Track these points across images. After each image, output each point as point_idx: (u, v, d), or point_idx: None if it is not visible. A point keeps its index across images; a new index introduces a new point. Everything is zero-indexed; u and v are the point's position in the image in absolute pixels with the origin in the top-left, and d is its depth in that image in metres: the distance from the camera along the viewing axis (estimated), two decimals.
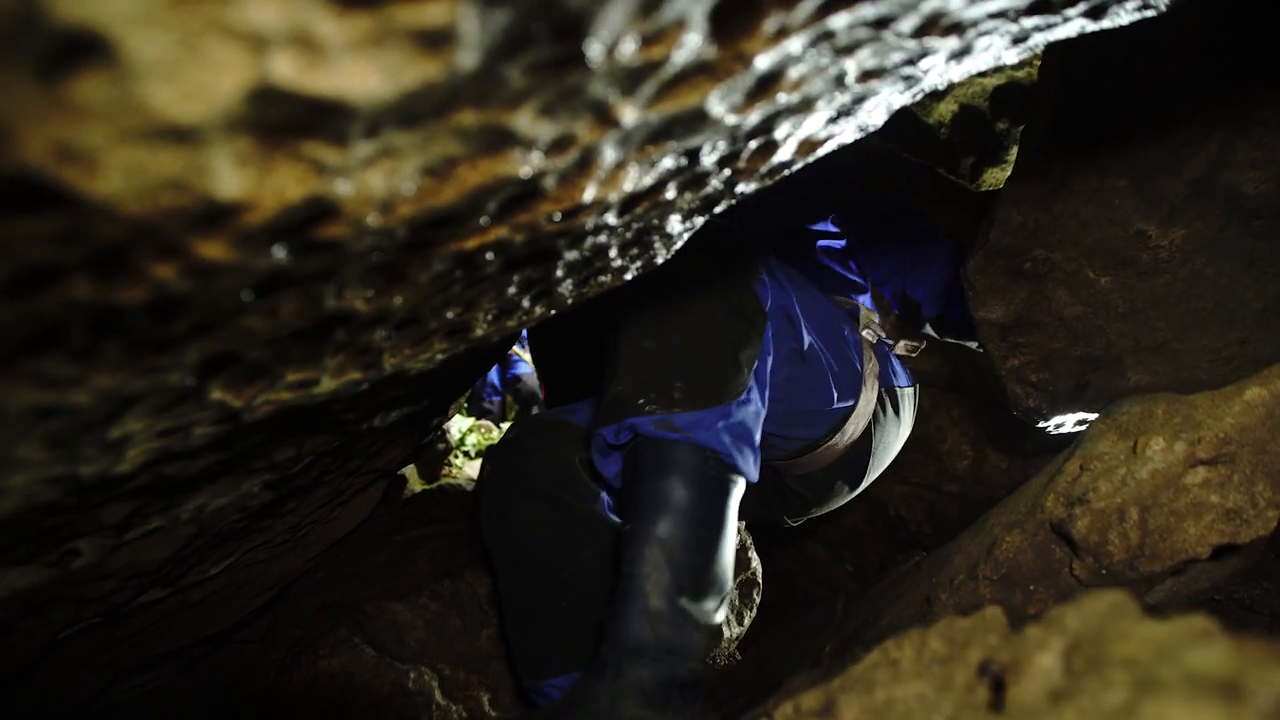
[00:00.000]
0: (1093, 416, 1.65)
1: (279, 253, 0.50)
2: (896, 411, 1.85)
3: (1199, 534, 0.97)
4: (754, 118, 0.65)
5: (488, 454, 1.64)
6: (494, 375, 5.23)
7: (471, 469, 2.80)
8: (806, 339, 1.58)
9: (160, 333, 0.56)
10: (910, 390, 1.95)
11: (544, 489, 1.52)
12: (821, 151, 0.81)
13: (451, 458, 2.69)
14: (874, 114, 0.79)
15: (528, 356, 5.01)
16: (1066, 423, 1.70)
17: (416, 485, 2.40)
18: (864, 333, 1.81)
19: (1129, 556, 1.01)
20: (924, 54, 0.67)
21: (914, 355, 1.95)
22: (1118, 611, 0.53)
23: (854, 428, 1.69)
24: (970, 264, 1.61)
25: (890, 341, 1.90)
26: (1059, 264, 1.57)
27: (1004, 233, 1.59)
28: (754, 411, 1.37)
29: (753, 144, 0.71)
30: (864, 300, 2.08)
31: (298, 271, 0.54)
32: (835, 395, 1.63)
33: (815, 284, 1.89)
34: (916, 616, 1.15)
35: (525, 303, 0.87)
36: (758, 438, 1.38)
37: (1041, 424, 1.71)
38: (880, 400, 1.77)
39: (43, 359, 0.53)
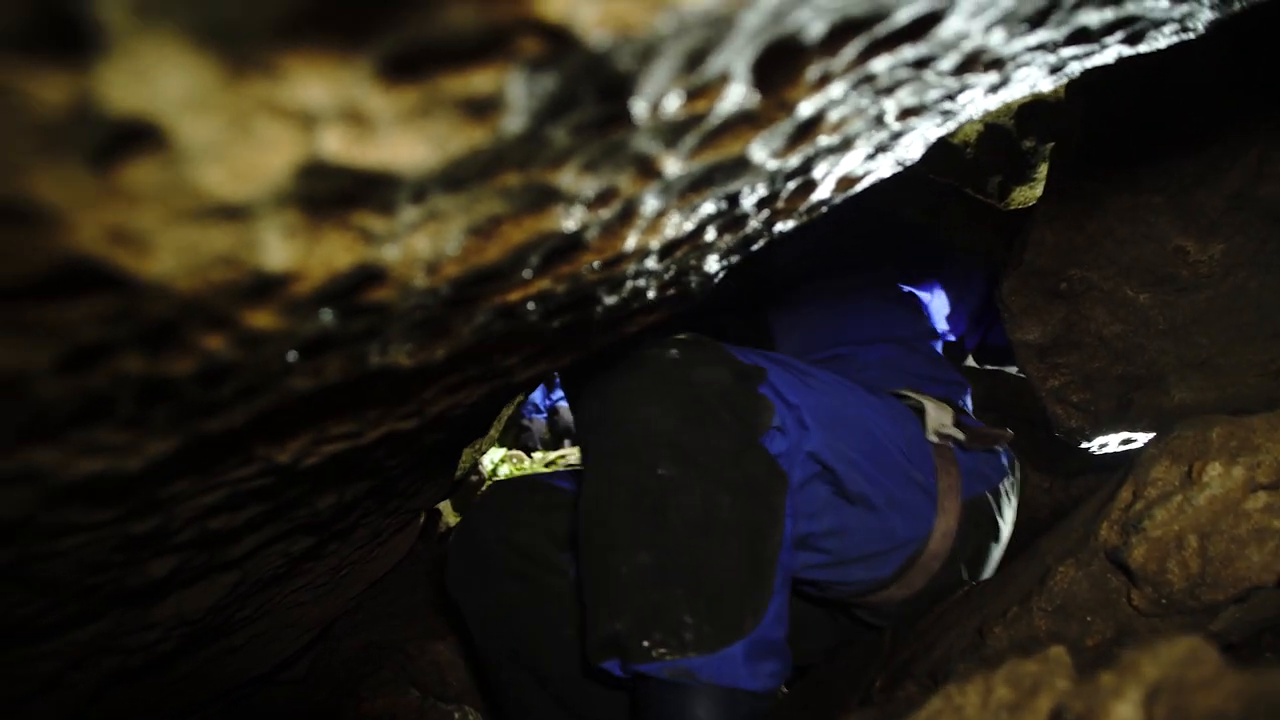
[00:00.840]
0: (1137, 436, 1.62)
1: (326, 317, 0.50)
2: (993, 516, 1.47)
3: (1263, 561, 0.94)
4: (794, 161, 0.64)
5: (464, 516, 1.54)
6: (537, 394, 5.16)
7: None
8: (849, 478, 1.28)
9: (208, 397, 0.56)
10: (1007, 481, 1.55)
11: (516, 565, 1.41)
12: (859, 188, 0.81)
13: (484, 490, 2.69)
14: (911, 148, 0.78)
15: None
16: (1110, 442, 1.67)
17: (451, 519, 2.40)
18: (932, 437, 1.43)
19: (1189, 585, 0.98)
20: (963, 89, 0.66)
21: (1000, 445, 1.52)
22: (1197, 658, 0.51)
23: (933, 559, 1.37)
24: (1005, 286, 1.59)
25: (962, 436, 1.47)
26: (1095, 283, 1.55)
27: (1038, 253, 1.57)
28: (779, 610, 1.13)
29: (791, 184, 0.71)
30: (939, 387, 1.65)
31: (343, 333, 0.54)
32: (899, 530, 1.33)
33: (868, 375, 1.61)
34: (969, 649, 1.12)
35: (562, 345, 0.87)
36: (785, 629, 1.15)
37: (1084, 444, 1.67)
38: (967, 515, 1.40)
39: (95, 429, 0.53)
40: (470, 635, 1.48)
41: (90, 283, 0.38)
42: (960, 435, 1.44)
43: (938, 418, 1.45)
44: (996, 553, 1.51)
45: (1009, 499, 1.55)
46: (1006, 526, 1.53)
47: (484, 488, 2.79)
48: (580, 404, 1.25)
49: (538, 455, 3.87)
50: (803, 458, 1.23)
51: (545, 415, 4.87)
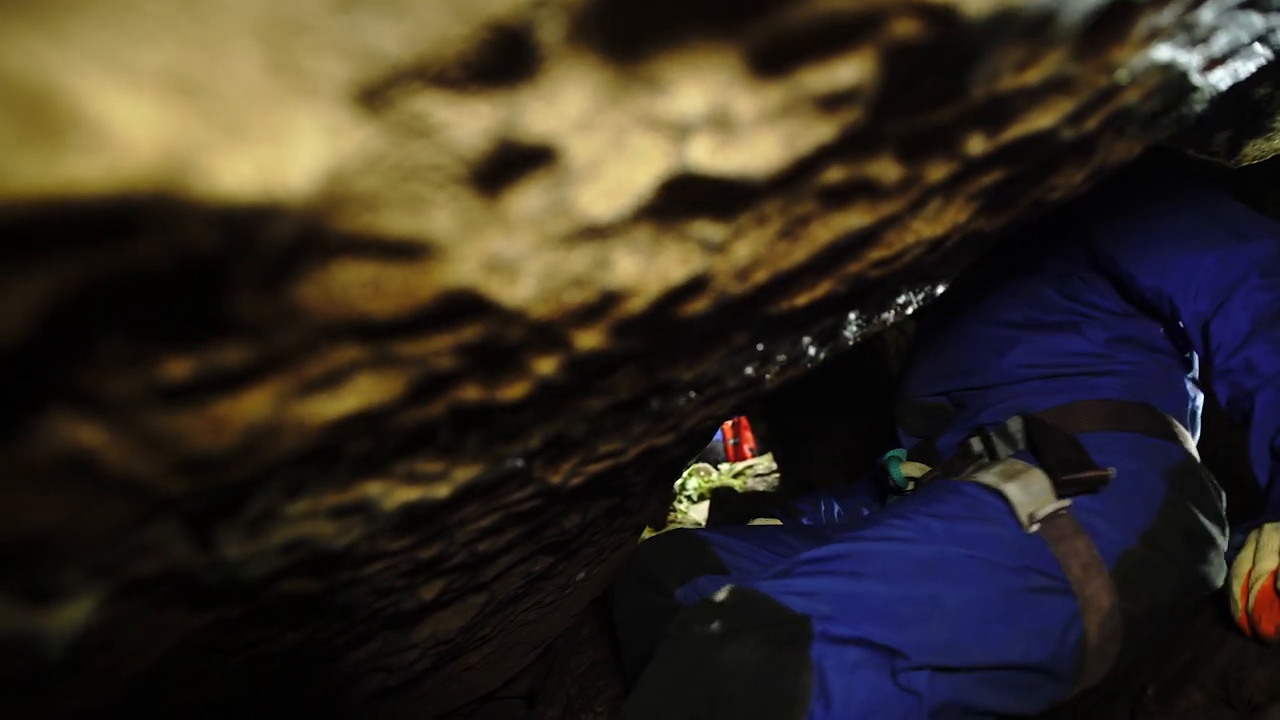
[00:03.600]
0: None
1: (642, 334, 0.49)
2: (1167, 557, 1.16)
3: None
4: (1091, 127, 0.59)
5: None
6: None
7: (696, 513, 2.79)
8: (973, 695, 1.04)
9: (513, 422, 0.57)
10: (1180, 487, 1.20)
11: (649, 628, 1.36)
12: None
13: (676, 504, 2.70)
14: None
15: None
16: None
17: (647, 533, 2.42)
18: (1032, 529, 1.10)
19: None
20: None
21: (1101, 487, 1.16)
22: None
23: (1105, 648, 1.11)
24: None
25: (1066, 505, 1.12)
26: None
27: None
28: None
29: (1072, 156, 0.65)
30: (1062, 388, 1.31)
31: (646, 349, 0.53)
32: (1047, 658, 1.07)
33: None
34: (1271, 654, 1.00)
35: (812, 351, 0.84)
36: None
37: None
38: (1124, 583, 1.12)
39: (415, 459, 0.55)
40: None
41: (461, 313, 0.39)
42: (1064, 505, 1.11)
43: (1027, 503, 1.11)
44: (1216, 562, 1.18)
45: (1185, 506, 1.18)
46: (1200, 543, 1.17)
47: (675, 501, 2.80)
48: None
49: (725, 467, 3.85)
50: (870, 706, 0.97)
51: (722, 435, 4.85)
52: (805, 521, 1.74)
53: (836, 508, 1.77)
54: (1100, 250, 1.33)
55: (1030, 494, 1.12)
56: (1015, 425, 1.30)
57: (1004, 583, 1.05)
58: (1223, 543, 1.20)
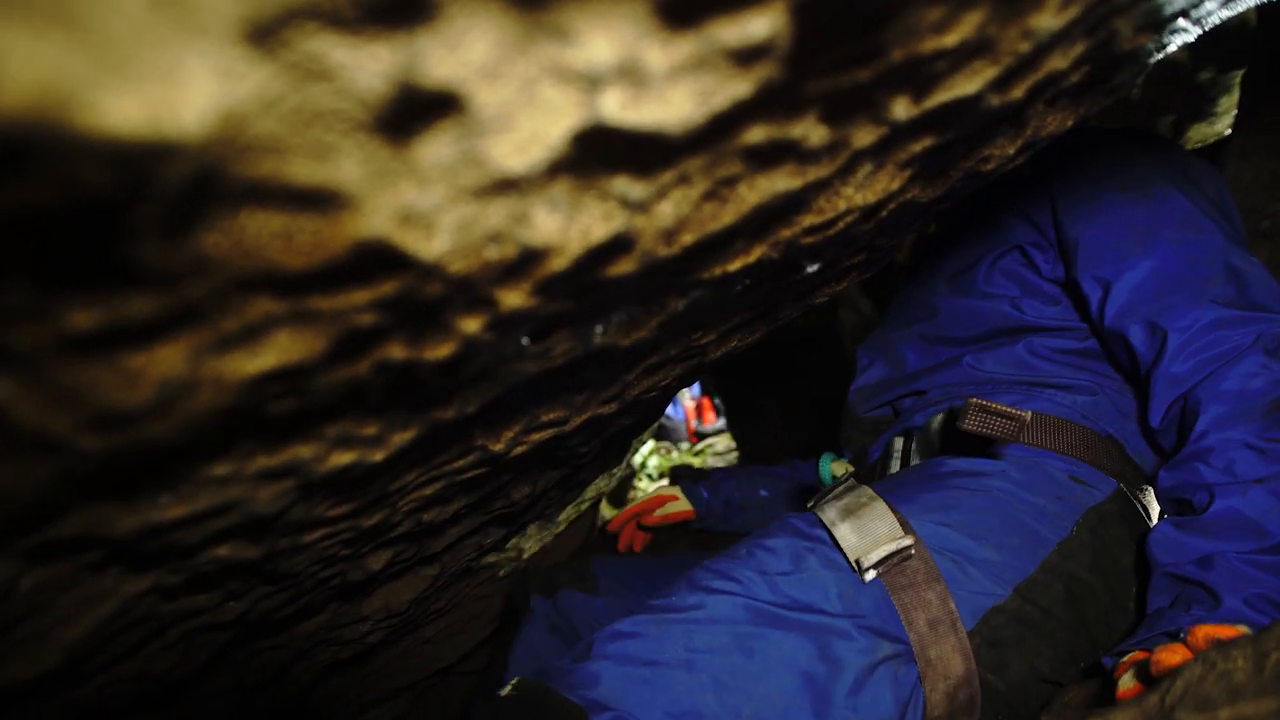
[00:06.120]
0: None
1: (567, 295, 0.50)
2: (1056, 602, 0.97)
3: None
4: (1018, 96, 0.60)
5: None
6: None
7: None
8: None
9: (446, 384, 0.57)
10: (1089, 522, 1.03)
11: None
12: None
13: (636, 481, 2.72)
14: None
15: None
16: None
17: (608, 512, 2.43)
18: (868, 575, 0.91)
19: None
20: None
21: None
22: None
23: None
24: None
25: (909, 542, 0.93)
26: None
27: (1234, 190, 1.44)
28: None
29: (1002, 128, 0.67)
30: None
31: (577, 311, 0.54)
32: None
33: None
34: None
35: (755, 321, 0.85)
36: None
37: None
38: (988, 643, 0.93)
39: (347, 422, 0.55)
40: None
41: (377, 266, 0.39)
42: (907, 544, 0.91)
43: (860, 546, 0.93)
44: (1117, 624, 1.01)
45: (1090, 555, 1.00)
46: (1093, 602, 0.99)
47: (634, 479, 2.81)
48: None
49: (685, 445, 3.87)
50: None
51: (684, 418, 4.87)
52: (704, 494, 1.70)
53: (736, 493, 1.69)
54: (1078, 268, 1.13)
55: (865, 534, 0.93)
56: (937, 423, 1.19)
57: (830, 655, 0.86)
58: (1133, 604, 1.03)
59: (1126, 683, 0.80)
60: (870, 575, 0.90)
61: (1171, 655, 0.74)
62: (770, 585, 0.90)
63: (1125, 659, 0.83)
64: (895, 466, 1.23)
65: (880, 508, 0.96)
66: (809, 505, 1.03)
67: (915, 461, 1.17)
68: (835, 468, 1.43)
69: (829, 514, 0.97)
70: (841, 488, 1.03)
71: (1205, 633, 0.76)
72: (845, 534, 0.94)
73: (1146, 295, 1.04)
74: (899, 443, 1.24)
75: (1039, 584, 0.95)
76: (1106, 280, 1.07)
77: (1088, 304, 1.11)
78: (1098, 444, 1.10)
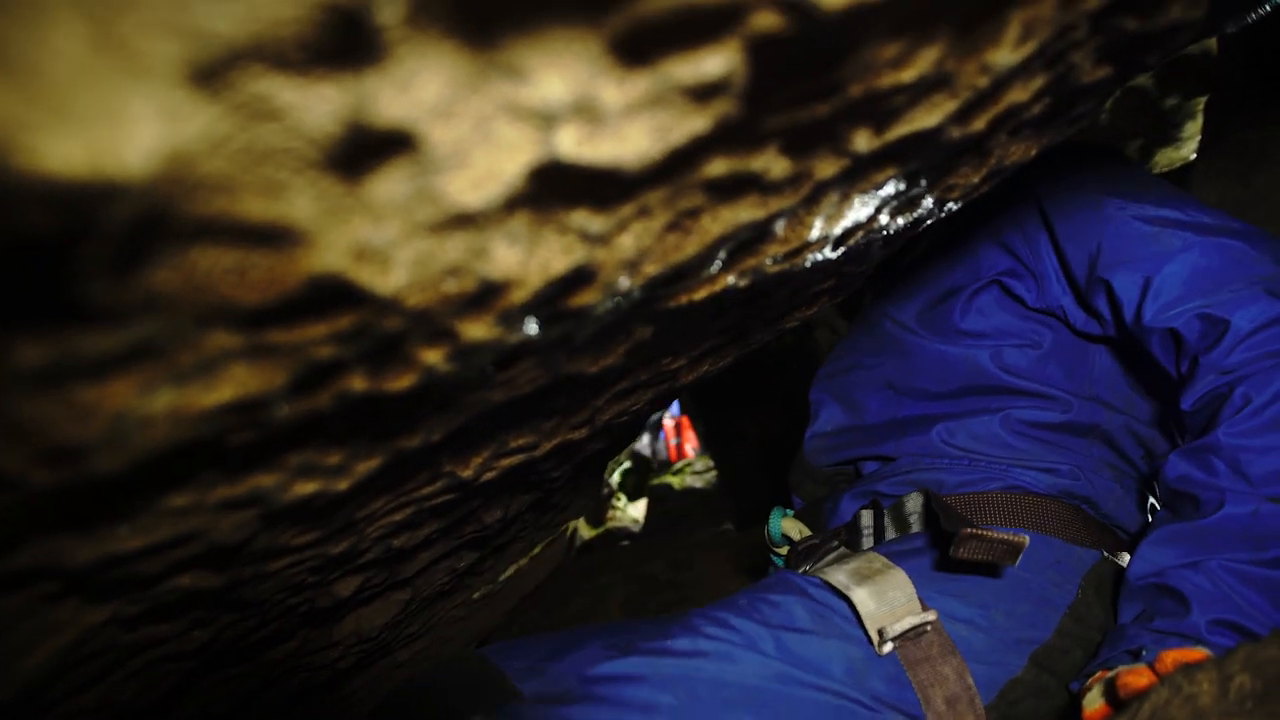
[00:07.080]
0: None
1: (530, 326, 0.50)
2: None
3: None
4: (979, 127, 0.60)
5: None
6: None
7: (634, 510, 2.80)
8: None
9: (412, 413, 0.56)
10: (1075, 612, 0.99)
11: None
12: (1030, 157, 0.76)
13: (614, 500, 2.71)
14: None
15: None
16: None
17: (586, 532, 2.42)
18: (885, 648, 0.87)
19: None
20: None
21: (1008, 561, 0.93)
22: None
23: None
24: None
25: (930, 618, 0.89)
26: None
27: None
28: None
29: (966, 157, 0.67)
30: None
31: (542, 341, 0.54)
32: None
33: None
34: None
35: (726, 346, 0.86)
36: None
37: None
38: None
39: (310, 452, 0.55)
40: None
41: (333, 301, 0.39)
42: (928, 619, 0.87)
43: (879, 615, 0.88)
44: None
45: (1098, 617, 0.97)
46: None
47: (612, 499, 2.81)
48: None
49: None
50: None
51: (662, 435, 4.87)
52: None
53: None
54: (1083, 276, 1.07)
55: (885, 602, 0.88)
56: (914, 503, 1.10)
57: None
58: None
59: (1092, 701, 0.80)
60: (889, 648, 0.86)
61: (1138, 678, 0.75)
62: (778, 644, 0.85)
63: (1090, 679, 0.83)
64: (868, 543, 1.14)
65: (899, 576, 0.91)
66: (804, 569, 0.97)
67: (890, 536, 1.10)
68: (787, 525, 1.27)
69: (838, 577, 0.92)
70: (835, 554, 0.98)
71: (1174, 657, 0.77)
72: (864, 600, 0.88)
73: (1199, 288, 0.96)
74: (867, 516, 1.16)
75: (1056, 650, 0.92)
76: (1146, 275, 0.99)
77: (1120, 307, 1.02)
78: (1076, 519, 1.06)
